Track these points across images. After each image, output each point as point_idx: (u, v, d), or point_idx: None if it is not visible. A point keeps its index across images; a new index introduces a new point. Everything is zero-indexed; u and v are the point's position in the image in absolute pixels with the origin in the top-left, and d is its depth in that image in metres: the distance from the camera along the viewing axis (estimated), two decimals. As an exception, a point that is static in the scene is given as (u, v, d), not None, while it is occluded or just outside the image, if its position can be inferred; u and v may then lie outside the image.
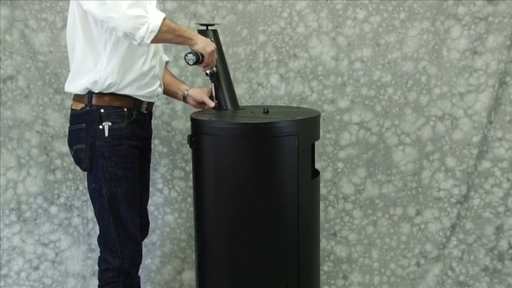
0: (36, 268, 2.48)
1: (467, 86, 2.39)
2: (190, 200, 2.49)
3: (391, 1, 2.35)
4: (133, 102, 1.76)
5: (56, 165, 2.44)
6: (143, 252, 2.52)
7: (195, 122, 1.76)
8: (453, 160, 2.44)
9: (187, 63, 1.76)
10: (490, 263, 2.49)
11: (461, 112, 2.41)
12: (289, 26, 2.39)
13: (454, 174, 2.45)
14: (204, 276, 1.85)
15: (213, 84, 1.92)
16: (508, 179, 2.43)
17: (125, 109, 1.74)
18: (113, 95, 1.72)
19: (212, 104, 1.94)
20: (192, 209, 2.18)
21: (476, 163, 2.44)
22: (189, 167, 2.44)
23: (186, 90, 1.99)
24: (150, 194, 2.50)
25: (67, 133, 1.79)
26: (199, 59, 1.75)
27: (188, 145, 1.79)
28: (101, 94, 1.71)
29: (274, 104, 2.43)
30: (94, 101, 1.71)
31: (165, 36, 1.65)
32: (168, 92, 2.02)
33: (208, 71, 1.87)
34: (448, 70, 2.39)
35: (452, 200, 2.47)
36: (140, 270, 2.54)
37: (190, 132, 1.80)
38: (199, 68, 2.36)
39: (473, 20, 2.33)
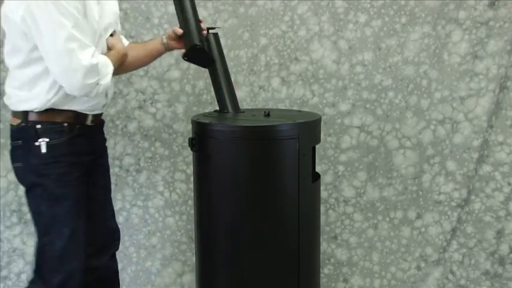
0: (37, 270, 2.48)
1: (467, 90, 2.39)
2: (191, 202, 2.49)
3: (393, 5, 2.35)
4: (75, 116, 1.69)
5: (57, 167, 2.44)
6: (143, 255, 2.53)
7: (196, 124, 1.76)
8: (453, 164, 2.45)
9: None
10: (490, 267, 2.49)
11: (461, 116, 2.41)
12: (290, 29, 2.39)
13: (455, 178, 2.45)
14: (204, 279, 1.85)
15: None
16: (509, 183, 2.43)
17: (65, 124, 1.67)
18: (51, 110, 1.66)
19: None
20: (192, 211, 2.18)
21: (477, 167, 2.44)
22: (190, 170, 2.44)
23: (164, 40, 1.89)
24: (151, 197, 2.51)
25: None
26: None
27: (189, 148, 1.79)
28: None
29: (275, 107, 2.44)
30: (30, 117, 1.65)
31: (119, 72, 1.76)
32: (149, 60, 1.96)
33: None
34: (449, 74, 2.39)
35: (453, 203, 2.47)
36: (141, 273, 2.55)
37: (191, 135, 1.80)
38: (201, 70, 2.38)
39: (474, 24, 2.34)
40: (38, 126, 1.64)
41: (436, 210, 2.49)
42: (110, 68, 1.64)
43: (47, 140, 1.64)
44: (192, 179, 2.09)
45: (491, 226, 2.47)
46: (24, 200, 2.42)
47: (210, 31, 1.89)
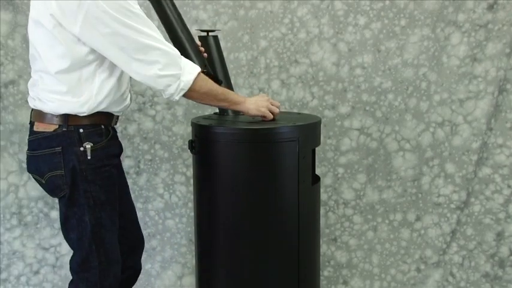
0: (37, 272, 2.48)
1: (466, 93, 2.40)
2: (190, 205, 2.50)
3: (392, 8, 2.36)
4: (108, 118, 1.63)
5: (57, 170, 2.44)
6: (143, 257, 2.53)
7: (195, 127, 1.76)
8: (452, 166, 2.45)
9: None
10: (490, 270, 2.49)
11: (460, 118, 2.42)
12: (290, 32, 2.40)
13: (454, 180, 2.46)
14: (204, 282, 1.85)
15: None
16: (509, 186, 2.44)
17: (102, 126, 1.61)
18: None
19: None
20: (192, 214, 2.19)
21: (476, 169, 2.45)
22: (190, 172, 2.44)
23: None
24: (151, 199, 2.51)
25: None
26: None
27: (189, 150, 1.79)
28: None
29: (275, 110, 2.44)
30: (71, 121, 1.55)
31: (202, 97, 1.63)
32: None
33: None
34: (448, 77, 2.40)
35: (452, 205, 2.48)
36: (140, 276, 2.55)
37: (191, 138, 1.81)
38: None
39: (473, 27, 2.35)
40: (81, 130, 1.56)
41: (436, 213, 2.49)
42: (194, 72, 1.57)
43: (92, 144, 1.56)
44: (191, 181, 2.09)
45: (491, 228, 2.47)
46: (24, 202, 2.43)
47: (210, 33, 1.90)
